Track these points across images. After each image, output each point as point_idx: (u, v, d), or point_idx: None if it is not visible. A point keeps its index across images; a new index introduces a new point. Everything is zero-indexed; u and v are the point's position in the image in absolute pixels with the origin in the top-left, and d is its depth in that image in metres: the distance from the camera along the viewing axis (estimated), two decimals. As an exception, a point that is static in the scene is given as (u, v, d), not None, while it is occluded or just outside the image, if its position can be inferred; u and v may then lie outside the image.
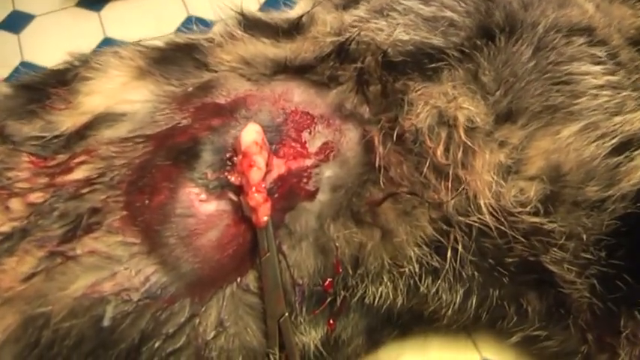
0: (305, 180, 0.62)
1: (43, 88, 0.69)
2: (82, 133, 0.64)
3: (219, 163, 0.61)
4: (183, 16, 1.16)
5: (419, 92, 0.64)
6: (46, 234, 0.57)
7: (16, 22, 1.18)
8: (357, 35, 0.68)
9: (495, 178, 0.62)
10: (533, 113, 0.64)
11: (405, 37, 0.67)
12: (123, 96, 0.66)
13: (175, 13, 1.17)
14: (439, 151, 0.63)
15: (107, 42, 1.12)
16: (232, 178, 0.60)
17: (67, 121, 0.65)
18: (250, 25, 0.72)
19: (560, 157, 0.62)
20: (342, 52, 0.67)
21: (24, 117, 0.66)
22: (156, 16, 1.16)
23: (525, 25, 0.68)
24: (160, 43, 0.73)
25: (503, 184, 0.62)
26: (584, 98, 0.64)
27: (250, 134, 0.60)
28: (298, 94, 0.66)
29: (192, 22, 0.81)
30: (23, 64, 1.09)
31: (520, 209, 0.61)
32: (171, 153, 0.61)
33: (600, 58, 0.67)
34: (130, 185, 0.60)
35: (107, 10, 1.19)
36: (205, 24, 0.84)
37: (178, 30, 1.09)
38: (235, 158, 0.60)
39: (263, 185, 0.58)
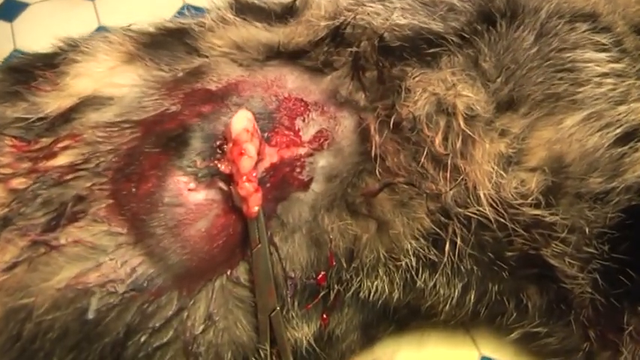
0: (298, 169, 0.61)
1: (30, 69, 0.68)
2: (67, 115, 0.62)
3: (208, 150, 0.59)
4: (179, 4, 1.16)
5: (417, 79, 0.63)
6: (28, 222, 0.56)
7: (10, 9, 1.18)
8: (353, 19, 0.66)
9: (495, 168, 0.61)
10: (535, 101, 0.62)
11: (403, 22, 0.66)
12: (110, 79, 0.65)
13: (171, 2, 1.16)
14: (437, 140, 0.61)
15: (101, 30, 1.10)
16: (222, 167, 0.59)
17: (52, 104, 0.64)
18: (242, 8, 0.71)
19: (563, 147, 0.61)
20: (337, 37, 0.66)
21: (8, 99, 0.65)
22: (151, 4, 1.16)
23: (527, 10, 0.67)
24: (150, 28, 0.72)
25: (504, 174, 0.61)
26: (588, 86, 0.63)
27: (241, 121, 0.58)
28: (292, 80, 0.65)
29: (188, 10, 0.80)
30: (16, 52, 1.08)
31: (521, 201, 0.60)
32: (160, 140, 0.60)
33: (604, 45, 0.66)
34: (116, 172, 0.58)
35: (101, -2, 1.19)
36: (201, 12, 0.83)
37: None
38: (226, 146, 0.59)
39: (254, 174, 0.57)
